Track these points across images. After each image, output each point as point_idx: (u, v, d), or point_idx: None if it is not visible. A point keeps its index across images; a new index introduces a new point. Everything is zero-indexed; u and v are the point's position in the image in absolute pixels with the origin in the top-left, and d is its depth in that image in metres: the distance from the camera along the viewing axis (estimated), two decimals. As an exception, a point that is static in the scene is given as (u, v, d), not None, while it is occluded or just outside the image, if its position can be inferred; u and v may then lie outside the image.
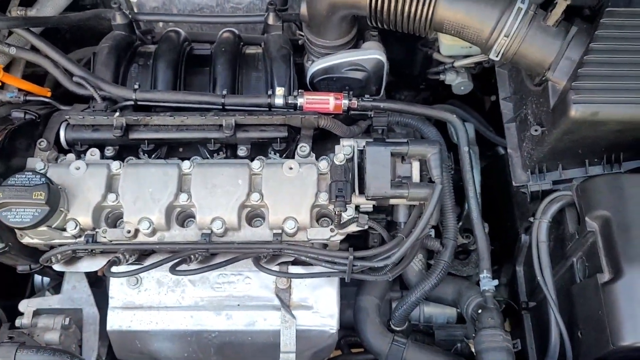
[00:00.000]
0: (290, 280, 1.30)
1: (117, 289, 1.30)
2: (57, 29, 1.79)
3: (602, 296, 1.07)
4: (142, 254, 1.30)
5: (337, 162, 1.23)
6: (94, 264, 1.30)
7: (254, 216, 1.29)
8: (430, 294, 1.34)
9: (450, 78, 1.62)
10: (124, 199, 1.22)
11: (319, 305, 1.31)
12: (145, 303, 1.29)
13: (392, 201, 1.25)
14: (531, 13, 1.20)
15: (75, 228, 1.20)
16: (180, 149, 1.42)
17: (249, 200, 1.23)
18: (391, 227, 1.35)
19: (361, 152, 1.27)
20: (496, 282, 1.27)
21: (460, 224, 1.54)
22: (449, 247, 1.31)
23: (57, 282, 1.44)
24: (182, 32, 1.59)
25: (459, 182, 1.41)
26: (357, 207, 1.26)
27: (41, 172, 1.21)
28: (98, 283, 1.39)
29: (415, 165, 1.24)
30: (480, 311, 1.25)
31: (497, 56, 1.25)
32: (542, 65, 1.22)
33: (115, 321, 1.27)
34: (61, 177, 1.23)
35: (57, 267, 1.30)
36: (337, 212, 1.18)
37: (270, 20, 1.52)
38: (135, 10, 1.90)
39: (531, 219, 1.29)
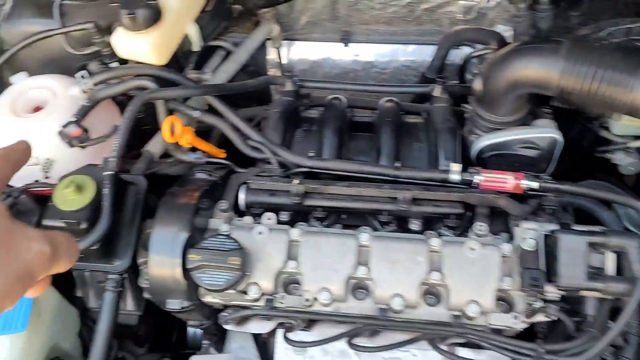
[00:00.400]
0: (460, 364, 1.25)
1: (283, 353, 1.30)
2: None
3: None
4: (311, 320, 1.30)
5: (527, 248, 1.18)
6: (263, 327, 1.31)
7: (427, 293, 1.26)
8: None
9: (619, 157, 1.56)
10: (305, 266, 1.23)
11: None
12: (310, 370, 1.28)
13: (584, 293, 1.19)
14: None
15: (257, 292, 1.22)
16: (343, 216, 1.43)
17: (429, 279, 1.21)
18: (577, 318, 1.28)
19: (546, 236, 1.23)
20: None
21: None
22: (632, 343, 1.22)
23: (216, 339, 1.46)
24: (344, 99, 1.62)
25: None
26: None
27: (227, 234, 1.24)
28: (259, 346, 1.40)
29: (611, 257, 1.18)
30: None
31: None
32: None
33: (281, 385, 1.27)
34: (244, 240, 1.25)
35: (228, 327, 1.32)
36: (528, 302, 1.13)
37: (437, 93, 1.53)
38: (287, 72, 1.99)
39: None
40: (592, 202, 1.36)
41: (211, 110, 1.49)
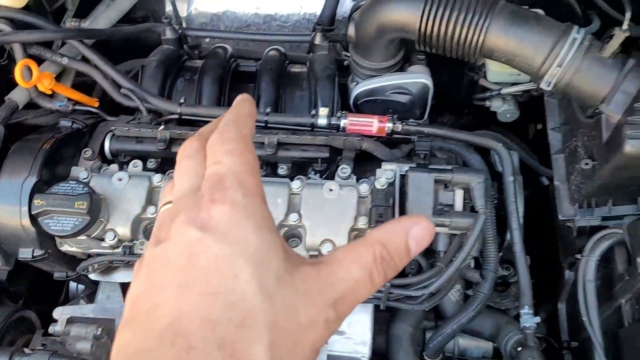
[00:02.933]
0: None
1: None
2: (106, 41, 1.84)
3: (652, 343, 1.01)
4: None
5: (378, 186, 1.21)
6: (129, 275, 1.31)
7: (290, 236, 1.27)
8: (467, 326, 1.30)
9: (496, 105, 1.58)
10: (163, 212, 1.23)
11: (352, 331, 1.28)
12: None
13: (433, 229, 1.22)
14: (586, 44, 1.17)
15: (113, 239, 1.21)
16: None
17: (287, 220, 1.22)
18: (429, 255, 1.32)
19: (403, 177, 1.25)
20: (538, 319, 1.23)
21: (500, 254, 1.49)
22: (489, 279, 1.27)
23: (91, 291, 1.45)
24: (229, 48, 1.60)
25: (501, 212, 1.38)
26: (396, 233, 1.24)
27: (84, 181, 1.22)
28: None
29: (459, 194, 1.21)
30: (520, 349, 1.20)
31: (548, 86, 1.21)
32: (596, 97, 1.18)
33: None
34: (103, 187, 1.24)
35: (92, 277, 1.32)
36: (376, 238, 1.15)
37: (317, 40, 1.52)
38: (184, 26, 1.94)
39: (578, 256, 1.24)
40: (461, 147, 1.38)
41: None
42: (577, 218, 1.28)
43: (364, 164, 1.39)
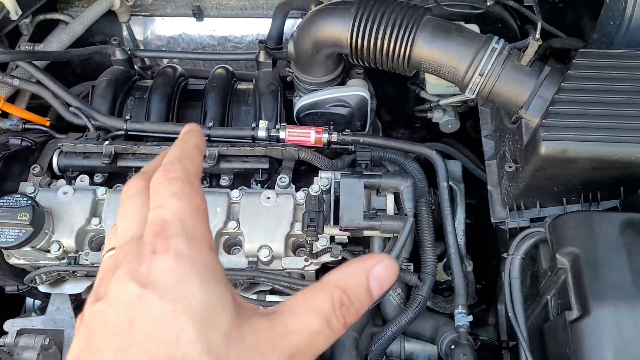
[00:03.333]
0: (266, 310, 1.31)
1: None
2: (68, 64, 1.90)
3: (569, 334, 1.05)
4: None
5: (312, 193, 1.26)
6: (78, 286, 1.34)
7: (232, 244, 1.31)
8: (407, 329, 1.33)
9: (437, 116, 1.65)
10: (106, 223, 1.27)
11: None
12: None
13: (366, 233, 1.27)
14: (505, 53, 1.24)
15: (58, 250, 1.25)
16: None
17: (226, 228, 1.26)
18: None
19: (339, 185, 1.30)
20: (470, 318, 1.27)
21: (445, 260, 1.54)
22: (427, 281, 1.31)
23: (44, 305, 1.48)
24: (178, 67, 1.66)
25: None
26: (332, 238, 1.28)
27: (30, 195, 1.26)
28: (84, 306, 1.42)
29: (390, 198, 1.26)
30: (453, 347, 1.24)
31: (472, 94, 1.28)
32: (516, 103, 1.24)
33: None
34: (49, 201, 1.28)
35: (41, 288, 1.35)
36: (309, 242, 1.20)
37: (261, 58, 1.58)
38: (142, 46, 2.01)
39: (504, 255, 1.29)
40: (400, 155, 1.44)
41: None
42: (507, 220, 1.33)
43: (310, 176, 1.45)
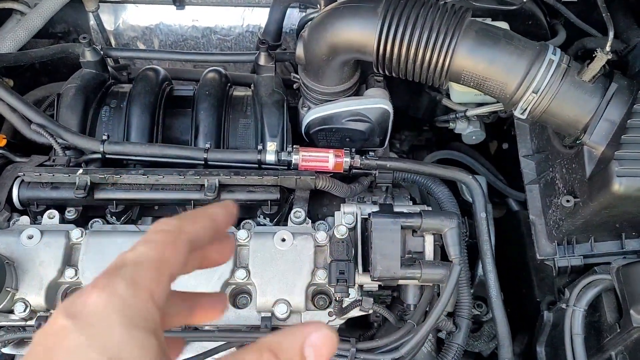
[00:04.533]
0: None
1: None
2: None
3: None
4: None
5: (338, 236, 1.05)
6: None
7: (238, 293, 1.10)
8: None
9: (460, 127, 1.45)
10: (84, 275, 1.03)
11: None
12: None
13: (402, 281, 1.07)
14: (564, 66, 1.04)
15: (24, 310, 1.01)
16: (156, 207, 1.24)
17: (234, 278, 1.05)
18: (396, 305, 1.17)
19: (365, 220, 1.10)
20: (520, 375, 1.10)
21: (472, 291, 1.37)
22: (463, 327, 1.14)
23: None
24: (161, 70, 1.41)
25: (468, 240, 1.26)
26: (360, 286, 1.08)
27: (-15, 241, 1.01)
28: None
29: (429, 240, 1.07)
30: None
31: (522, 114, 1.08)
32: (576, 126, 1.05)
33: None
34: (10, 248, 1.04)
35: (5, 350, 1.11)
36: (337, 298, 1.00)
37: (262, 61, 1.34)
38: (113, 40, 1.73)
39: (563, 306, 1.11)
40: (426, 178, 1.25)
41: None
42: (557, 257, 1.16)
43: (320, 199, 1.24)
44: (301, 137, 1.34)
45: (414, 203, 1.29)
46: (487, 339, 1.39)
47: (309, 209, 1.24)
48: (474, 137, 1.47)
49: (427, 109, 1.61)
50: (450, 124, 1.46)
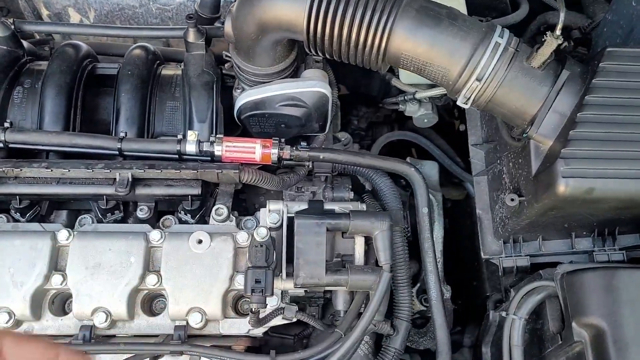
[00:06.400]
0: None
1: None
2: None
3: None
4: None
5: (257, 238, 0.95)
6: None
7: (154, 297, 1.01)
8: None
9: (411, 109, 1.34)
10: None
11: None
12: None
13: (330, 288, 0.98)
14: (512, 50, 0.93)
15: None
16: (72, 200, 1.13)
17: (144, 284, 0.95)
18: (330, 307, 1.09)
19: (292, 219, 1.00)
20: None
21: (418, 285, 1.29)
22: (402, 330, 1.06)
23: None
24: (83, 45, 1.27)
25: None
26: (285, 292, 0.99)
27: None
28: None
29: (359, 242, 0.97)
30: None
31: (466, 102, 0.98)
32: (523, 117, 0.95)
33: None
34: None
35: None
36: (254, 309, 0.90)
37: (191, 37, 1.21)
38: (43, 10, 1.58)
39: (503, 314, 1.03)
40: (369, 168, 1.15)
41: None
42: (502, 257, 1.08)
43: (255, 187, 1.13)
44: (236, 124, 1.23)
45: (361, 193, 1.19)
46: (433, 335, 1.31)
47: (244, 200, 1.14)
48: (425, 120, 1.36)
49: (381, 88, 1.50)
50: (400, 106, 1.35)
